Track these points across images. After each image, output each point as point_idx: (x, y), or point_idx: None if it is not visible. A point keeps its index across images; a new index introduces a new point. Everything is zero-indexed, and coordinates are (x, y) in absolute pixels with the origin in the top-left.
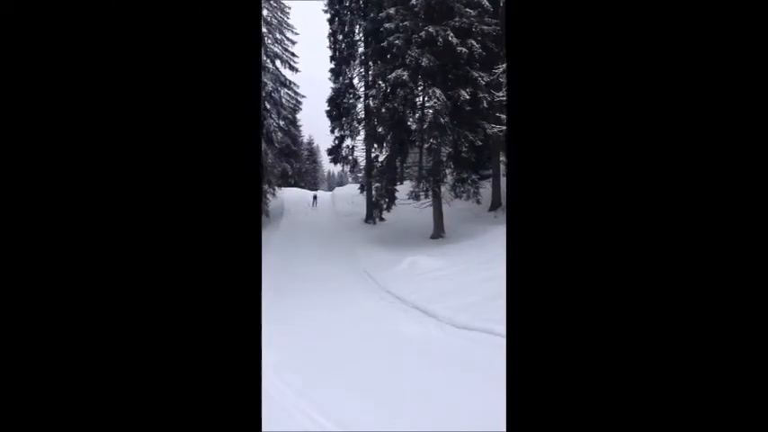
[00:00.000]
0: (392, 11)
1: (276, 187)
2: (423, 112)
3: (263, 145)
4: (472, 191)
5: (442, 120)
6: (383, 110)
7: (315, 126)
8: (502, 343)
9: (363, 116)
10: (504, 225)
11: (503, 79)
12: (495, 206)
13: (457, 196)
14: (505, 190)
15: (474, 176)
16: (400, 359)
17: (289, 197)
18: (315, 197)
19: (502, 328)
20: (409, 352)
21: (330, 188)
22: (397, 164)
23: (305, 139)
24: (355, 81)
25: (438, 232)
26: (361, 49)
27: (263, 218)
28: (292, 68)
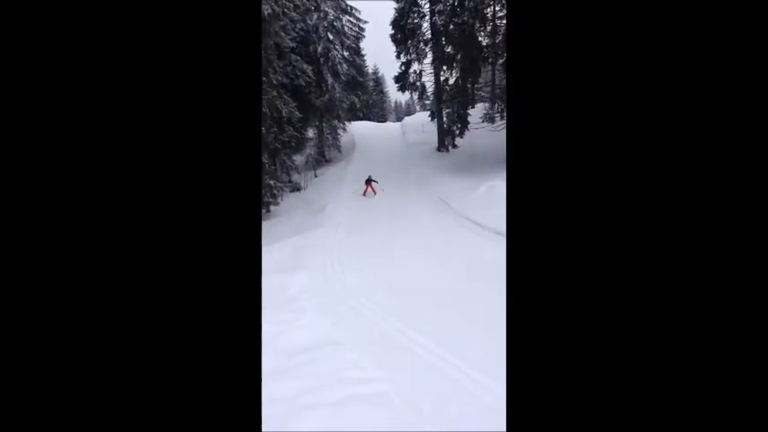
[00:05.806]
0: None
1: (346, 122)
2: (494, 24)
3: (330, 79)
4: None
5: None
6: (451, 26)
7: (378, 55)
8: None
9: (430, 36)
10: None
11: None
12: None
13: None
14: None
15: None
16: (486, 282)
17: (358, 131)
18: (370, 183)
19: None
20: (494, 277)
21: (398, 119)
22: (468, 86)
23: (370, 70)
24: None
25: None
26: None
27: (337, 153)
28: None
